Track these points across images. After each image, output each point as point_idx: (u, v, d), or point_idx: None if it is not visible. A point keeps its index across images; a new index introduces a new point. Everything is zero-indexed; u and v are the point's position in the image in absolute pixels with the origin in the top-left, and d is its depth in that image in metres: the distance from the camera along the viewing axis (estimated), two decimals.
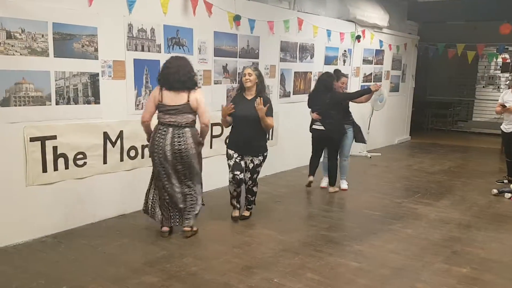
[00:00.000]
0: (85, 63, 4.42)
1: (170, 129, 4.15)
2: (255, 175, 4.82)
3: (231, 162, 4.71)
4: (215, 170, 5.61)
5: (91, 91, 4.52)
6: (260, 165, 4.80)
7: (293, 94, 7.34)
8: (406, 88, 10.94)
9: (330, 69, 8.01)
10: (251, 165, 4.75)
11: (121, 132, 4.81)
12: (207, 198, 5.64)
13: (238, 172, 4.65)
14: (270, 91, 6.80)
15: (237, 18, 5.94)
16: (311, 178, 6.13)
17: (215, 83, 5.88)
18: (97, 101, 4.58)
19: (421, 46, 11.14)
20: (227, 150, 4.81)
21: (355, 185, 6.60)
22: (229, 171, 4.72)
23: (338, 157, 6.19)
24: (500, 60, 12.39)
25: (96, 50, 4.49)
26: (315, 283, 3.53)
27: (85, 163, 4.54)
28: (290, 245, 4.27)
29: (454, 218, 5.20)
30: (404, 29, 10.37)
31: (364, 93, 6.10)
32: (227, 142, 4.95)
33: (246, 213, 5.00)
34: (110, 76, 4.66)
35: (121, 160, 4.87)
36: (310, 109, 6.07)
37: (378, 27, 9.02)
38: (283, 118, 7.11)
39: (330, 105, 5.79)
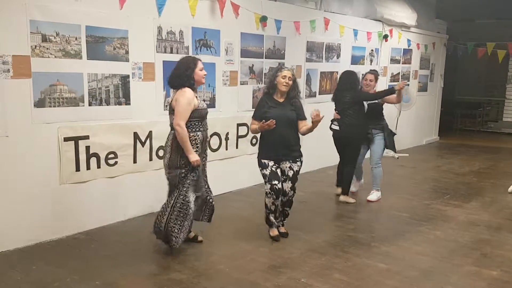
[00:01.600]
0: (117, 65, 4.54)
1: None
2: (295, 183, 4.35)
3: (267, 172, 4.23)
4: (241, 170, 5.66)
5: (122, 92, 4.64)
6: (299, 171, 4.36)
7: (319, 94, 7.32)
8: (435, 87, 10.75)
9: (357, 68, 7.99)
10: (291, 173, 4.28)
11: (150, 132, 4.92)
12: (234, 197, 5.71)
13: (276, 182, 4.19)
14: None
15: (263, 19, 5.98)
16: (339, 190, 5.86)
17: (241, 84, 5.93)
18: (127, 102, 4.70)
19: (450, 45, 10.93)
20: (260, 160, 4.32)
21: (382, 186, 6.53)
22: (266, 182, 4.24)
23: (362, 164, 5.91)
24: None
25: (127, 52, 4.60)
26: (343, 284, 3.53)
27: (116, 163, 4.66)
28: (317, 246, 4.28)
29: (484, 220, 5.09)
30: (432, 28, 10.19)
31: (388, 93, 5.58)
32: (259, 151, 4.40)
33: (284, 229, 4.52)
34: (140, 77, 4.77)
35: (150, 159, 4.98)
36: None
37: (406, 26, 8.90)
38: (308, 118, 7.07)
39: (349, 104, 5.49)
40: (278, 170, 4.27)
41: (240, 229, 4.70)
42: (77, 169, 4.38)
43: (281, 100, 4.30)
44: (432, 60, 10.30)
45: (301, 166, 4.40)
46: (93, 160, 4.48)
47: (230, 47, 5.69)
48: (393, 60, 8.94)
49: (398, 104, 8.38)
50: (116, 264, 3.81)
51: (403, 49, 9.14)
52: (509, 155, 9.44)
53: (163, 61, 4.94)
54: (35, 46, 3.96)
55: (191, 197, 3.93)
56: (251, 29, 5.93)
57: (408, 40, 9.20)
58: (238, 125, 5.95)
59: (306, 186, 6.46)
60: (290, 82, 4.22)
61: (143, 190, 4.95)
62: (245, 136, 6.08)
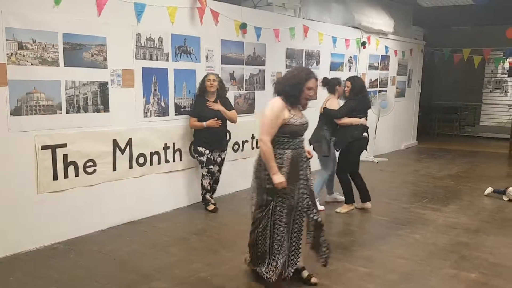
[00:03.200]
0: (95, 72, 4.50)
1: None
2: (222, 167, 5.50)
3: (204, 158, 5.26)
4: (223, 176, 5.65)
5: (100, 99, 4.59)
6: (225, 158, 5.52)
7: None
8: (412, 93, 10.94)
9: (336, 75, 8.08)
10: (219, 159, 5.40)
11: (130, 139, 4.88)
12: (219, 203, 5.70)
13: (211, 166, 5.33)
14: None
15: (243, 26, 6.01)
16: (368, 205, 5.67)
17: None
18: (106, 109, 4.65)
19: (427, 51, 11.15)
20: (196, 148, 5.29)
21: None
22: (203, 166, 5.30)
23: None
24: (507, 64, 12.37)
25: (105, 59, 4.56)
26: None
27: (94, 171, 4.60)
28: None
29: (462, 223, 5.19)
30: (409, 35, 10.39)
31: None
32: (196, 141, 5.35)
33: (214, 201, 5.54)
34: (119, 84, 4.73)
35: (130, 167, 4.93)
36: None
37: (384, 33, 9.06)
38: None
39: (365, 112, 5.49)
40: (212, 156, 5.30)
41: (221, 236, 4.69)
42: (55, 177, 4.31)
43: (212, 99, 5.23)
44: (409, 66, 10.49)
45: (226, 153, 5.55)
46: (71, 169, 4.41)
47: (211, 54, 5.70)
48: (371, 67, 9.07)
49: (377, 110, 8.54)
50: (96, 274, 3.75)
51: (381, 55, 9.29)
52: (486, 159, 9.65)
53: (143, 67, 4.91)
54: (11, 54, 3.90)
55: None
56: (231, 36, 5.95)
57: (386, 47, 9.35)
58: None
59: None
60: (215, 83, 5.17)
61: (123, 198, 4.90)
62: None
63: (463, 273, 3.87)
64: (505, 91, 13.03)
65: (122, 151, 4.82)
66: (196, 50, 5.49)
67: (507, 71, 12.81)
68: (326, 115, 5.46)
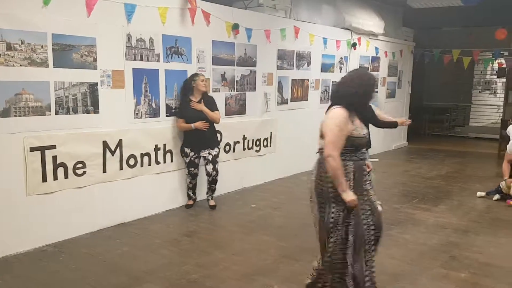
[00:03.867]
0: (84, 73, 4.47)
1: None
2: (216, 165, 5.45)
3: (187, 160, 5.40)
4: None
5: (90, 100, 4.56)
6: (217, 155, 5.51)
7: (291, 101, 7.39)
8: (403, 94, 11.01)
9: (327, 76, 8.12)
10: (210, 157, 5.39)
11: (120, 141, 4.85)
12: (200, 206, 5.70)
13: (192, 168, 5.44)
14: (268, 98, 6.86)
15: (235, 27, 6.01)
16: None
17: (214, 91, 5.92)
18: (96, 111, 4.62)
19: (417, 53, 11.23)
20: (183, 149, 5.39)
21: None
22: (186, 167, 5.44)
23: None
24: (496, 65, 12.50)
25: (95, 60, 4.53)
26: None
27: (84, 172, 4.57)
28: (290, 252, 4.29)
29: (452, 223, 5.23)
30: (399, 36, 10.46)
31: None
32: (184, 141, 5.42)
33: (214, 202, 5.62)
34: (109, 85, 4.70)
35: (121, 168, 4.90)
36: None
37: (374, 34, 9.10)
38: (281, 125, 7.16)
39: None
40: (197, 160, 5.39)
41: (213, 237, 4.68)
42: (44, 179, 4.27)
43: (197, 99, 5.28)
44: (399, 67, 10.56)
45: (218, 151, 5.55)
46: (60, 170, 4.37)
47: (202, 54, 5.68)
48: (362, 68, 9.11)
49: None
50: (86, 276, 3.73)
51: (371, 56, 9.33)
52: (475, 159, 9.74)
53: (133, 68, 4.89)
54: (0, 55, 3.85)
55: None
56: (223, 37, 5.94)
57: (376, 48, 9.40)
58: None
59: (280, 192, 6.50)
60: (207, 83, 5.36)
61: (113, 200, 4.86)
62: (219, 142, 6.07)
63: (453, 273, 3.89)
64: (494, 92, 13.16)
65: (112, 153, 4.79)
66: (188, 51, 5.47)
67: (496, 72, 12.95)
68: None
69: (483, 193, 6.39)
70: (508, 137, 6.33)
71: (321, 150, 3.15)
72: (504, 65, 11.30)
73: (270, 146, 7.05)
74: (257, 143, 6.81)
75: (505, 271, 3.97)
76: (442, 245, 4.55)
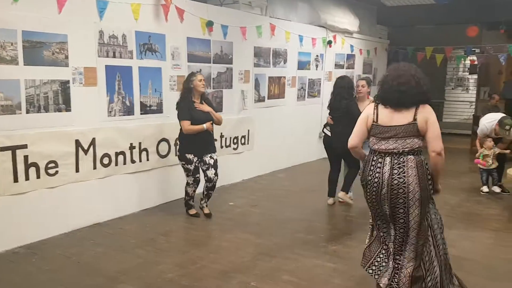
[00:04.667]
0: (56, 70, 4.37)
1: (387, 159, 3.06)
2: (217, 169, 5.10)
3: (192, 167, 4.99)
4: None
5: (62, 98, 4.46)
6: (217, 159, 5.15)
7: (268, 98, 7.40)
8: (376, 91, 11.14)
9: (304, 73, 8.17)
10: (212, 161, 5.04)
11: (93, 139, 4.76)
12: (177, 205, 5.66)
13: (198, 175, 5.09)
14: (245, 96, 6.86)
15: (209, 24, 5.97)
16: (330, 201, 5.80)
17: None
18: (68, 109, 4.53)
19: (391, 50, 11.40)
20: (184, 155, 4.95)
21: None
22: (189, 175, 5.04)
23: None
24: (468, 62, 12.78)
25: (66, 57, 4.44)
26: (292, 285, 3.57)
27: (57, 172, 4.48)
28: (268, 248, 4.31)
29: None
30: (374, 34, 10.60)
31: None
32: (184, 147, 4.98)
33: (208, 210, 5.25)
34: (81, 83, 4.61)
35: (94, 168, 4.82)
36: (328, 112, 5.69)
37: (349, 32, 9.20)
38: (258, 122, 7.16)
39: (344, 113, 5.34)
40: (200, 164, 5.04)
41: (190, 236, 4.65)
42: (15, 180, 4.16)
43: (198, 101, 4.93)
44: (374, 64, 10.70)
45: (217, 155, 5.18)
46: (32, 170, 4.27)
47: (177, 51, 5.63)
48: (338, 65, 9.19)
49: None
50: (60, 278, 3.65)
51: (347, 54, 9.43)
52: (448, 154, 9.81)
53: (106, 65, 4.80)
54: None
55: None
56: (198, 34, 5.90)
57: (351, 46, 9.50)
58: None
59: (257, 189, 6.51)
60: (204, 83, 4.95)
61: (87, 200, 4.78)
62: None
63: None
64: (467, 88, 13.46)
65: (85, 152, 4.71)
66: (162, 47, 5.41)
67: (468, 69, 13.24)
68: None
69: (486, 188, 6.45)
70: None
71: (411, 151, 3.06)
72: (476, 62, 11.58)
73: (248, 143, 7.05)
74: (235, 140, 6.79)
75: (477, 264, 4.07)
76: None
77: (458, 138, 12.19)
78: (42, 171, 4.35)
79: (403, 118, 3.04)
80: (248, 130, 7.02)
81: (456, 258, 4.11)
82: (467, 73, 13.38)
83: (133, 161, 5.22)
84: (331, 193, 5.85)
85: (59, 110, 4.46)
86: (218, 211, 5.45)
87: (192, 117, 4.80)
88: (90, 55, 4.66)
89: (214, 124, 5.03)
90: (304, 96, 8.34)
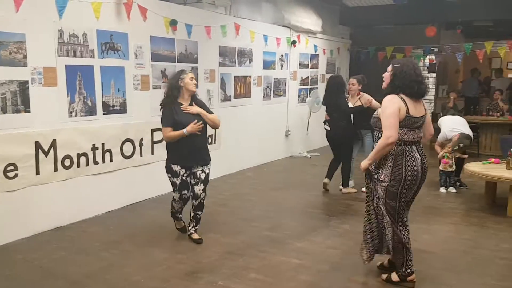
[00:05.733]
0: (14, 70, 4.23)
1: (414, 147, 3.40)
2: (207, 186, 4.40)
3: (178, 181, 4.27)
4: (157, 176, 5.55)
5: (20, 99, 4.32)
6: (209, 174, 4.43)
7: (234, 98, 7.41)
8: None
9: (269, 73, 8.23)
10: (203, 175, 4.32)
11: (54, 141, 4.64)
12: (150, 205, 5.59)
13: (186, 191, 4.33)
14: (211, 95, 6.84)
15: (173, 23, 5.92)
16: (326, 180, 6.44)
17: (154, 88, 5.82)
18: (27, 110, 4.39)
19: (353, 50, 11.63)
20: (170, 167, 4.27)
21: (296, 184, 6.81)
22: (175, 190, 4.33)
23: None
24: (427, 61, 13.19)
25: (25, 57, 4.30)
26: (258, 283, 3.60)
27: (16, 175, 4.33)
28: (235, 247, 4.32)
29: None
30: (336, 34, 10.79)
31: (357, 110, 6.15)
32: (169, 156, 4.33)
33: (197, 236, 4.48)
34: (41, 83, 4.49)
35: (55, 170, 4.69)
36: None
37: (312, 32, 9.33)
38: (225, 122, 7.15)
39: (334, 107, 6.18)
40: (188, 178, 4.31)
41: (156, 237, 4.60)
42: None
43: (187, 102, 4.27)
44: (337, 64, 10.89)
45: (210, 168, 4.44)
46: None
47: (140, 50, 5.56)
48: (302, 65, 9.31)
49: (310, 105, 8.78)
50: (21, 284, 3.55)
51: (311, 54, 9.56)
52: None
53: (66, 65, 4.69)
54: None
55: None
56: (161, 33, 5.84)
57: (315, 46, 9.64)
58: (153, 130, 5.82)
59: (226, 188, 6.52)
60: (195, 81, 4.33)
61: (48, 203, 4.65)
62: (160, 141, 5.96)
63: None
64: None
65: (46, 154, 4.58)
66: (124, 46, 5.33)
67: (427, 67, 13.66)
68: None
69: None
70: (439, 129, 6.76)
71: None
72: (435, 61, 11.97)
73: (215, 143, 7.04)
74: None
75: (437, 256, 4.21)
76: None
77: None
78: (1, 174, 4.20)
79: (422, 109, 3.41)
80: (215, 130, 6.99)
81: (416, 251, 4.25)
82: (426, 72, 13.80)
83: (96, 163, 5.12)
84: (328, 175, 6.48)
85: (18, 111, 4.31)
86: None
87: (177, 122, 4.14)
88: (50, 55, 4.54)
89: (213, 127, 4.48)
90: (270, 95, 8.40)
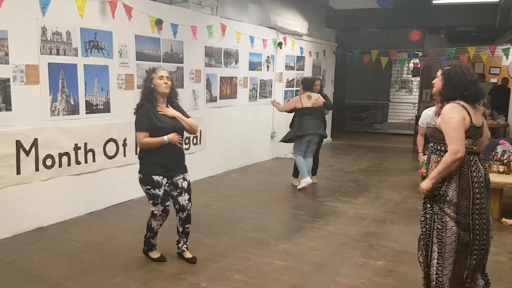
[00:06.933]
0: None
1: (477, 158, 2.97)
2: (191, 194, 4.00)
3: (161, 192, 3.78)
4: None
5: (1, 97, 4.24)
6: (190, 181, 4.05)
7: (220, 99, 7.39)
8: (326, 92, 11.34)
9: (255, 74, 8.23)
10: (185, 183, 3.92)
11: (35, 140, 4.56)
12: (134, 205, 5.53)
13: (168, 203, 3.87)
14: (197, 95, 6.81)
15: (158, 23, 5.88)
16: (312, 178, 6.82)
17: (139, 88, 5.72)
18: (8, 108, 4.31)
19: (339, 53, 11.72)
20: (150, 178, 3.75)
21: (281, 186, 6.82)
22: (157, 203, 3.81)
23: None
24: (411, 65, 13.37)
25: (6, 54, 4.23)
26: (242, 284, 3.60)
27: None
28: (218, 249, 4.31)
29: (370, 214, 5.53)
30: (322, 36, 10.85)
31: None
32: (147, 166, 3.80)
33: (190, 254, 4.07)
34: (23, 81, 4.41)
35: (37, 170, 4.62)
36: None
37: (298, 34, 9.36)
38: (210, 122, 7.14)
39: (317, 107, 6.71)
40: (169, 188, 3.87)
41: (139, 238, 4.54)
42: None
43: (163, 105, 3.82)
44: (323, 66, 10.96)
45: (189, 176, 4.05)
46: None
47: (124, 49, 5.50)
48: (288, 67, 9.34)
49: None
50: (0, 285, 3.48)
51: (297, 56, 9.60)
52: (393, 154, 10.37)
53: (49, 63, 4.62)
54: None
55: None
56: (146, 32, 5.80)
57: (301, 48, 9.68)
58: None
59: (210, 190, 6.49)
60: (169, 82, 3.77)
61: (29, 203, 4.57)
62: None
63: (371, 261, 4.12)
64: (410, 90, 14.07)
65: (27, 153, 4.50)
66: (108, 45, 5.27)
67: (411, 71, 13.85)
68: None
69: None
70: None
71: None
72: (419, 65, 12.13)
73: (200, 144, 7.01)
74: (186, 141, 6.73)
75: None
76: (361, 235, 4.80)
77: (402, 138, 12.73)
78: None
79: (480, 116, 3.01)
80: (200, 130, 6.98)
81: (398, 253, 4.33)
82: (411, 76, 13.99)
83: (78, 162, 5.05)
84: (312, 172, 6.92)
85: None
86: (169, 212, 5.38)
87: (154, 126, 3.70)
88: (32, 52, 4.47)
89: (191, 133, 4.14)
90: (256, 96, 8.41)
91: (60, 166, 4.84)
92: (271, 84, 8.82)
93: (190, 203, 3.95)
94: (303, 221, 5.22)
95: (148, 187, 3.78)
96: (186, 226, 4.00)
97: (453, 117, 2.87)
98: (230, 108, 7.67)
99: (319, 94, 6.67)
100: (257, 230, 4.87)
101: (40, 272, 3.72)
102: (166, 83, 3.74)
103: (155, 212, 3.85)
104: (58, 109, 4.79)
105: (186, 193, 3.91)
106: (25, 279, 3.59)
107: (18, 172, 4.45)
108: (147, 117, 3.71)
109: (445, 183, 2.93)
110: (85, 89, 5.05)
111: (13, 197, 4.43)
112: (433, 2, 8.60)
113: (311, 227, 5.01)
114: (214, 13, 7.15)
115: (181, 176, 3.91)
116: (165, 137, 3.69)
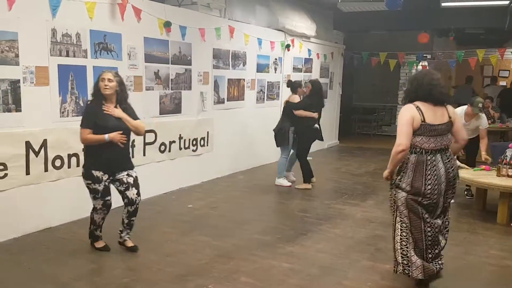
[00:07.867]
0: (5, 69, 4.19)
1: (438, 156, 3.34)
2: (139, 188, 4.15)
3: (100, 187, 3.99)
4: (149, 178, 5.52)
5: (11, 98, 4.29)
6: (137, 177, 4.18)
7: (227, 100, 7.41)
8: (334, 95, 11.42)
9: (263, 76, 8.25)
10: (130, 179, 4.07)
11: (45, 141, 4.60)
12: (141, 207, 5.55)
13: (109, 197, 4.10)
14: (205, 97, 6.83)
15: (167, 25, 5.92)
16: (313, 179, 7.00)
17: (147, 90, 5.81)
18: (18, 109, 4.35)
19: (347, 55, 11.69)
20: (91, 173, 3.94)
21: (288, 188, 6.82)
22: (97, 198, 4.04)
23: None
24: (419, 67, 13.30)
25: (17, 55, 4.27)
26: (249, 287, 3.60)
27: (6, 175, 4.29)
28: (225, 250, 4.31)
29: (378, 217, 5.51)
30: (330, 39, 10.83)
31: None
32: (89, 161, 4.00)
33: (132, 243, 4.27)
34: (33, 82, 4.45)
35: (46, 170, 4.65)
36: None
37: (306, 36, 9.36)
38: (217, 124, 7.16)
39: (320, 109, 7.13)
40: (111, 184, 4.06)
41: (146, 239, 4.57)
42: None
43: (112, 106, 3.94)
44: (331, 69, 10.94)
45: (136, 172, 4.19)
46: None
47: (133, 51, 5.54)
48: (296, 69, 9.33)
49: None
50: (8, 285, 3.51)
51: (304, 58, 9.59)
52: None
53: (58, 65, 4.66)
54: None
55: None
56: (155, 34, 5.83)
57: (309, 50, 9.67)
58: (145, 131, 5.79)
59: (217, 191, 6.51)
60: (111, 84, 3.86)
61: (38, 204, 4.61)
62: (152, 143, 5.96)
63: (378, 264, 4.10)
64: None
65: (36, 154, 4.54)
66: (118, 47, 5.31)
67: None
68: (288, 108, 6.83)
69: None
70: None
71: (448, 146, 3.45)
72: (427, 68, 12.06)
73: (207, 145, 7.03)
74: (194, 142, 6.75)
75: None
76: (369, 238, 4.79)
77: None
78: None
79: (444, 116, 3.35)
80: (208, 132, 7.00)
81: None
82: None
83: None
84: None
85: (9, 111, 4.28)
86: (176, 213, 5.41)
87: (97, 124, 3.85)
88: (42, 54, 4.51)
89: (137, 134, 4.20)
90: (263, 98, 8.41)
91: (69, 167, 4.88)
92: (279, 86, 8.82)
93: (139, 197, 4.13)
94: (310, 224, 5.21)
95: (88, 181, 3.99)
96: (132, 218, 4.19)
97: (402, 115, 3.34)
98: (237, 110, 7.68)
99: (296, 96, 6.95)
100: (264, 232, 4.87)
101: (48, 273, 3.75)
102: (106, 85, 3.87)
103: (95, 205, 4.12)
104: (68, 110, 4.83)
105: (134, 188, 4.07)
106: (34, 280, 3.62)
107: (28, 173, 4.49)
108: (92, 114, 3.90)
109: (399, 177, 3.41)
110: None
111: (22, 198, 4.47)
112: (442, 4, 8.55)
113: (318, 229, 5.00)
114: (222, 15, 7.17)
115: (125, 173, 4.07)
116: (106, 136, 3.85)
